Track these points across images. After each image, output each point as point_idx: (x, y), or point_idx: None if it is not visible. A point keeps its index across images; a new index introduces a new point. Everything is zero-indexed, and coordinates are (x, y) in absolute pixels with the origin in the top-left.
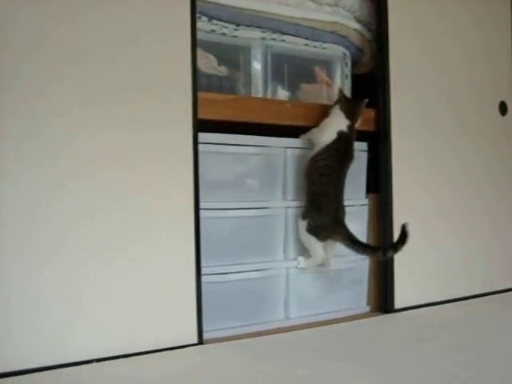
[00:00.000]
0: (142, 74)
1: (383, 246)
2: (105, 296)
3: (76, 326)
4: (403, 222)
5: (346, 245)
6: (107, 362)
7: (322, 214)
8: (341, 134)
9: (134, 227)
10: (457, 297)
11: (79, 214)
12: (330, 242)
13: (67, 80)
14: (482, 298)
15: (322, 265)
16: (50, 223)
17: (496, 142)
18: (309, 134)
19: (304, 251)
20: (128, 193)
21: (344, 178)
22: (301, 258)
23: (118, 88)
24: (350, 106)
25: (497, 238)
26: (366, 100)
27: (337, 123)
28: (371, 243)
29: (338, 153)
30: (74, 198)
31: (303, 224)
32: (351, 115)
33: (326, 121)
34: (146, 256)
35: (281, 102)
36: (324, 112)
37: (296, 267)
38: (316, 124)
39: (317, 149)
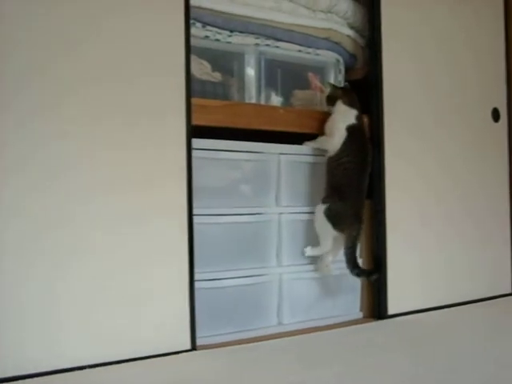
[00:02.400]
0: (136, 79)
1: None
2: (97, 302)
3: (68, 332)
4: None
5: (353, 243)
6: (100, 368)
7: (345, 202)
8: (351, 128)
9: (126, 232)
10: (454, 302)
11: (67, 216)
12: (340, 236)
13: (65, 97)
14: (480, 303)
15: (321, 270)
16: (35, 227)
17: (488, 148)
18: (317, 143)
19: (299, 255)
20: (120, 197)
21: (367, 171)
22: (308, 247)
23: (112, 94)
24: (349, 95)
25: (499, 241)
26: (347, 83)
27: (344, 119)
28: (364, 249)
29: (357, 147)
30: (66, 200)
31: (322, 208)
32: (354, 104)
33: (332, 121)
34: (139, 261)
35: (274, 108)
36: (317, 118)
37: (304, 255)
38: (311, 130)
39: (332, 152)
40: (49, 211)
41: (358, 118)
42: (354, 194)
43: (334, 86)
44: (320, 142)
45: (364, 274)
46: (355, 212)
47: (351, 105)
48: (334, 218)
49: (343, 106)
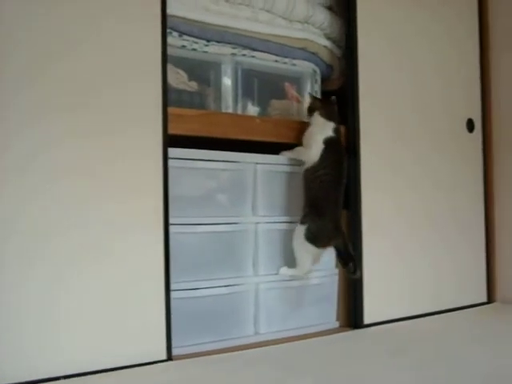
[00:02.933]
0: (112, 88)
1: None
2: (70, 312)
3: (40, 343)
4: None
5: (342, 250)
6: (74, 378)
7: (323, 218)
8: (329, 141)
9: (102, 243)
10: (426, 312)
11: (48, 229)
12: (321, 250)
13: (34, 90)
14: (451, 313)
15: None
16: (18, 239)
17: (463, 158)
18: (294, 153)
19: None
20: (97, 208)
21: (343, 183)
22: (283, 268)
23: (87, 102)
24: (327, 108)
25: (467, 253)
26: (334, 97)
27: (321, 131)
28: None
29: (333, 159)
30: (44, 213)
31: (301, 229)
32: (332, 116)
33: (309, 133)
34: (115, 271)
35: (251, 118)
36: (294, 128)
37: (279, 273)
38: (288, 140)
39: (309, 164)
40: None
41: (336, 130)
42: (331, 207)
43: (313, 97)
44: (297, 153)
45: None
46: (334, 225)
47: (328, 117)
48: (315, 238)
49: (320, 119)
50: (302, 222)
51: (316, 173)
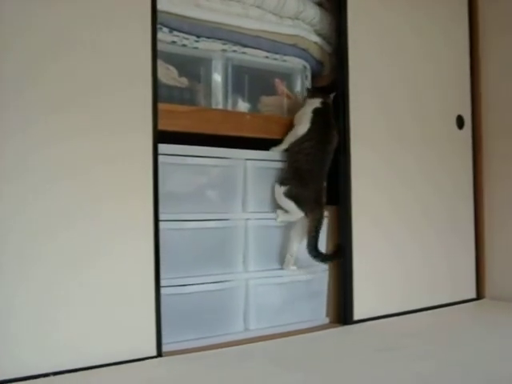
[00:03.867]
0: (102, 84)
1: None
2: (59, 309)
3: (29, 339)
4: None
5: (315, 230)
6: (63, 375)
7: (306, 187)
8: (316, 111)
9: (92, 239)
10: (417, 308)
11: (38, 227)
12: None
13: (27, 89)
14: (443, 309)
15: (287, 263)
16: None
17: (452, 155)
18: (286, 139)
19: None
20: (87, 205)
21: (328, 157)
22: (279, 211)
23: (77, 98)
24: (319, 90)
25: (461, 248)
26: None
27: (310, 106)
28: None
29: (320, 131)
30: (33, 211)
31: (281, 189)
32: (323, 94)
33: (300, 112)
34: (104, 267)
35: (241, 114)
36: (284, 124)
37: (275, 220)
38: (278, 135)
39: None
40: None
41: (323, 103)
42: (314, 179)
43: (308, 89)
44: (289, 136)
45: (324, 258)
46: (316, 197)
47: (317, 95)
48: (295, 199)
49: (308, 100)
50: (283, 184)
51: (301, 145)
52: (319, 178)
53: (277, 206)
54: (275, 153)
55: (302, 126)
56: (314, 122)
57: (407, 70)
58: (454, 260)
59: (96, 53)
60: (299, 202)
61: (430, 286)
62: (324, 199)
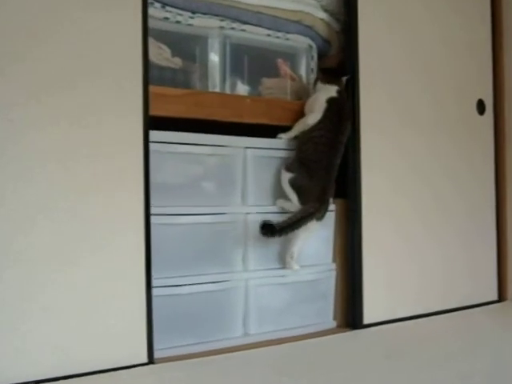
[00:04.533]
0: (88, 65)
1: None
2: (43, 311)
3: (11, 344)
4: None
5: (294, 219)
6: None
7: (310, 180)
8: (331, 101)
9: (77, 234)
10: (433, 310)
11: (19, 220)
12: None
13: (6, 72)
14: (461, 312)
15: (288, 263)
16: None
17: (472, 144)
18: (296, 127)
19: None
20: (71, 196)
21: (340, 149)
22: (280, 200)
23: (61, 81)
24: (332, 74)
25: (481, 245)
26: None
27: (324, 93)
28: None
29: (332, 121)
30: (13, 203)
31: (287, 175)
32: (337, 81)
33: (312, 98)
34: (90, 266)
35: (240, 98)
36: (288, 108)
37: (276, 207)
38: (281, 121)
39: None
40: None
41: (340, 92)
42: (322, 172)
43: (320, 69)
44: (299, 125)
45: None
46: (320, 192)
47: (331, 82)
48: (298, 189)
49: (323, 85)
50: (288, 170)
51: (311, 133)
52: (327, 171)
53: (279, 195)
54: (283, 140)
55: (314, 116)
56: (327, 111)
57: (422, 50)
58: (473, 258)
59: (81, 31)
60: (300, 194)
61: (448, 287)
62: (329, 196)
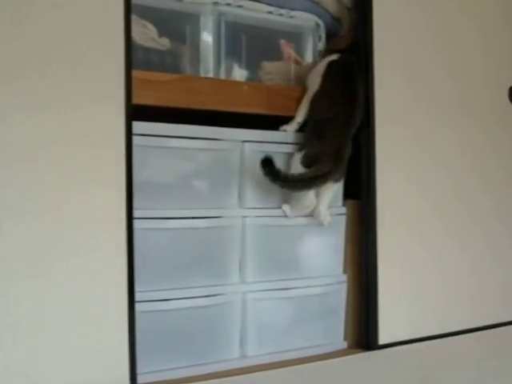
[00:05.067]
0: (62, 46)
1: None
2: (7, 328)
3: None
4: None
5: (305, 175)
6: None
7: (324, 141)
8: (331, 62)
9: (48, 241)
10: (460, 329)
11: None
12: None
13: None
14: (492, 331)
15: (311, 214)
16: None
17: (503, 137)
18: (298, 115)
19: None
20: (43, 196)
21: (357, 108)
22: (286, 206)
23: (30, 63)
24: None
25: None
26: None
27: (324, 61)
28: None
29: (342, 79)
30: None
31: (298, 157)
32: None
33: (312, 73)
34: (64, 279)
35: (237, 84)
36: (291, 96)
37: (285, 215)
38: (283, 111)
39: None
40: None
41: (340, 57)
42: (337, 131)
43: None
44: (303, 103)
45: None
46: (336, 151)
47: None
48: (310, 161)
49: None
50: (300, 149)
51: (324, 88)
52: (343, 129)
53: (284, 200)
54: (287, 133)
55: (317, 83)
56: (329, 71)
57: (447, 28)
58: (506, 270)
59: (55, 7)
60: (312, 164)
61: (477, 303)
62: (346, 154)
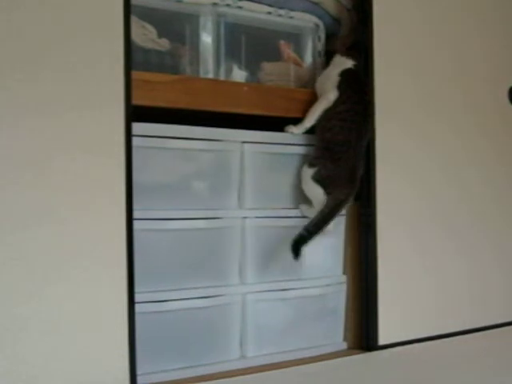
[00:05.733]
0: (60, 47)
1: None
2: (10, 333)
3: None
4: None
5: (333, 208)
6: None
7: (338, 164)
8: (345, 73)
9: (46, 242)
10: (461, 329)
11: None
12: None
13: None
14: (495, 331)
15: None
16: None
17: (503, 139)
18: (308, 119)
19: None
20: (40, 199)
21: (368, 123)
22: (303, 206)
23: (26, 65)
24: (351, 51)
25: None
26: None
27: (337, 66)
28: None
29: (355, 90)
30: None
31: (309, 172)
32: (355, 56)
33: (322, 75)
34: (64, 280)
35: (237, 85)
36: (291, 97)
37: (301, 215)
38: (283, 112)
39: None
40: None
41: (355, 65)
42: (350, 152)
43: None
44: (314, 108)
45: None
46: (350, 174)
47: (348, 55)
48: (324, 181)
49: (339, 58)
50: (311, 165)
51: (336, 108)
52: (356, 151)
53: (301, 200)
54: (287, 134)
55: (331, 92)
56: (343, 83)
57: (446, 28)
58: (506, 271)
59: (53, 7)
60: (329, 184)
61: (479, 302)
62: (358, 177)
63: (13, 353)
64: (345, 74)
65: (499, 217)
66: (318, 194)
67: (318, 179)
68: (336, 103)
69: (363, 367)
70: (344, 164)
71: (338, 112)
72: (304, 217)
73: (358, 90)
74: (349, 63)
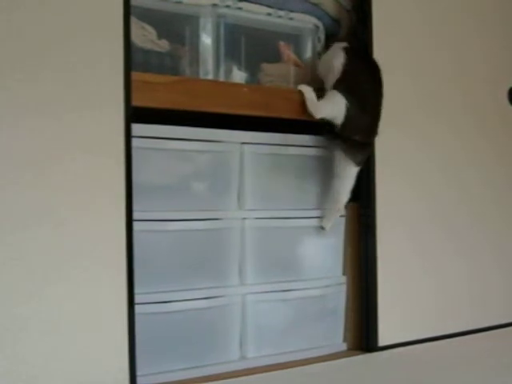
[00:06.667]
0: (59, 48)
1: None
2: (10, 333)
3: None
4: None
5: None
6: None
7: (364, 110)
8: (348, 48)
9: (46, 243)
10: (462, 330)
11: None
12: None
13: None
14: (495, 331)
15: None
16: None
17: (502, 140)
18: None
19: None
20: (40, 199)
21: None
22: (325, 221)
23: (25, 65)
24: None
25: None
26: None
27: (339, 47)
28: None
29: (364, 65)
30: None
31: (340, 148)
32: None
33: (324, 59)
34: (64, 281)
35: (236, 86)
36: (291, 98)
37: (322, 228)
38: (283, 113)
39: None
40: None
41: (352, 41)
42: (376, 104)
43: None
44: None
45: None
46: (375, 124)
47: (346, 40)
48: (353, 146)
49: (337, 43)
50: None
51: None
52: (377, 105)
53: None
54: (286, 135)
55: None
56: (349, 59)
57: (446, 28)
58: (507, 272)
59: (53, 7)
60: (357, 128)
61: (479, 303)
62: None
63: (13, 353)
64: (348, 50)
65: (499, 217)
66: (346, 176)
67: (346, 149)
68: (347, 67)
69: (363, 368)
70: (370, 112)
71: (353, 74)
72: (304, 217)
73: (367, 63)
74: (342, 43)
